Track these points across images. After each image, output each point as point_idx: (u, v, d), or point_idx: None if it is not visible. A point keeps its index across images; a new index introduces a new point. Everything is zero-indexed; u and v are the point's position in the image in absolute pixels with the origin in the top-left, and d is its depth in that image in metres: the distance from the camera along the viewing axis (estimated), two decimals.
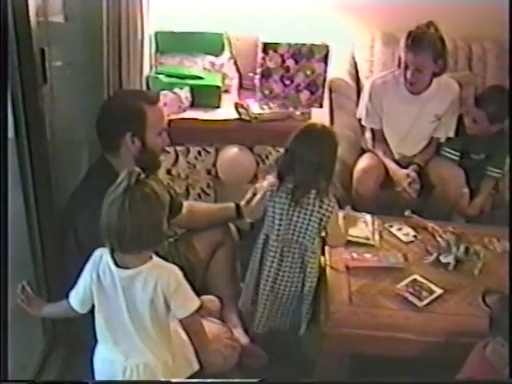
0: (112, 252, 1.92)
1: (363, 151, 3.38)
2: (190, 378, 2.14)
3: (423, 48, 3.01)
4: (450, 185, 3.13)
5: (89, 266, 1.98)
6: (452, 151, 3.23)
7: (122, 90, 2.81)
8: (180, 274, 1.97)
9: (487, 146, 3.21)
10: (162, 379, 2.04)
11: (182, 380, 2.03)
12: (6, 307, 1.95)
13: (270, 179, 2.47)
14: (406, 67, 3.09)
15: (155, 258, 1.96)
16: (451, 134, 3.25)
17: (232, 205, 2.77)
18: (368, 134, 3.39)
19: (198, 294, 2.07)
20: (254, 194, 2.59)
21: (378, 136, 3.33)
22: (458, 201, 3.15)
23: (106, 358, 2.07)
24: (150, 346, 2.02)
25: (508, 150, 3.18)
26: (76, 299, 2.03)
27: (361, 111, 3.35)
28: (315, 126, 2.43)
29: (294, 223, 2.42)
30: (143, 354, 2.02)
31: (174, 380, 2.01)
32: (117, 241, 1.86)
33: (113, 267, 1.92)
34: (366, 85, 3.35)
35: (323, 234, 2.47)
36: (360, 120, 3.38)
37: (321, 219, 2.40)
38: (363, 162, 3.24)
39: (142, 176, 1.85)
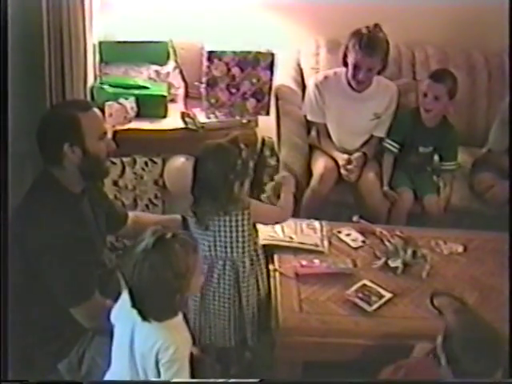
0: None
1: (311, 150, 3.44)
2: None
3: (376, 50, 3.14)
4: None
5: None
6: (392, 143, 3.33)
7: (57, 103, 2.76)
8: (183, 347, 1.95)
9: (434, 136, 3.28)
10: None
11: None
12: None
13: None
14: (356, 67, 3.18)
15: (176, 319, 1.95)
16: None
17: (178, 217, 2.76)
18: (313, 132, 3.46)
19: None
20: None
21: (323, 131, 3.40)
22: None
23: None
24: None
25: (457, 143, 3.33)
26: None
27: (305, 107, 3.42)
28: (205, 145, 2.43)
29: (212, 244, 2.40)
30: None
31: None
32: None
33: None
34: (310, 82, 3.43)
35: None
36: (306, 118, 3.45)
37: (236, 231, 2.37)
38: (322, 162, 3.29)
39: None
